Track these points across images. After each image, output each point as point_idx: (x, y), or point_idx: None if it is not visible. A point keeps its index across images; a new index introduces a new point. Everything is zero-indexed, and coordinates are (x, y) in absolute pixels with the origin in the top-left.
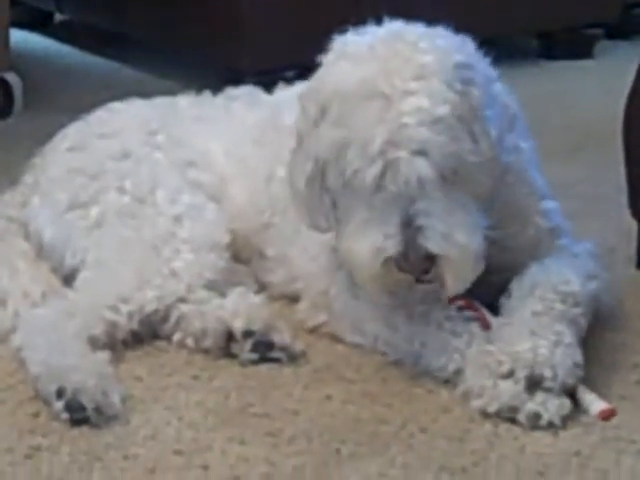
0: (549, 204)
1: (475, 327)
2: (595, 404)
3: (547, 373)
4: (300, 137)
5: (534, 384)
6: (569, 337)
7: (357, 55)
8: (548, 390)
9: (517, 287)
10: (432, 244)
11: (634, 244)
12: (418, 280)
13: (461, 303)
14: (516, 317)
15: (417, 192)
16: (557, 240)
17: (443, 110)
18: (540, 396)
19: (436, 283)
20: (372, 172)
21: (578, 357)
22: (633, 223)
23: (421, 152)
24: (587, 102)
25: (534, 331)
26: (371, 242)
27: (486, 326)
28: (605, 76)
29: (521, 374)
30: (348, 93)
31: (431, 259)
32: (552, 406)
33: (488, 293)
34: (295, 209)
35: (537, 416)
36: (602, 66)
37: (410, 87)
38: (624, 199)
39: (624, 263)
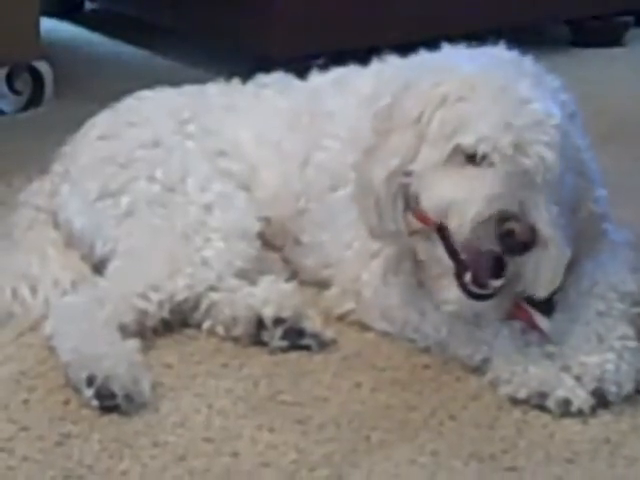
0: (601, 191)
1: (499, 321)
2: None
3: (612, 389)
4: (384, 133)
5: (598, 396)
6: (632, 340)
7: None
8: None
9: (575, 284)
10: (544, 225)
11: None
12: (496, 272)
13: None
14: (581, 316)
15: (538, 178)
16: (602, 225)
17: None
18: (570, 382)
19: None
20: (507, 138)
21: (632, 364)
22: None
23: (552, 146)
24: (617, 90)
25: (601, 336)
26: (488, 193)
27: (533, 328)
28: (636, 64)
29: (588, 386)
30: (484, 85)
31: (532, 243)
32: (582, 393)
33: None
34: (361, 210)
35: (567, 402)
36: (633, 54)
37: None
38: None
39: None
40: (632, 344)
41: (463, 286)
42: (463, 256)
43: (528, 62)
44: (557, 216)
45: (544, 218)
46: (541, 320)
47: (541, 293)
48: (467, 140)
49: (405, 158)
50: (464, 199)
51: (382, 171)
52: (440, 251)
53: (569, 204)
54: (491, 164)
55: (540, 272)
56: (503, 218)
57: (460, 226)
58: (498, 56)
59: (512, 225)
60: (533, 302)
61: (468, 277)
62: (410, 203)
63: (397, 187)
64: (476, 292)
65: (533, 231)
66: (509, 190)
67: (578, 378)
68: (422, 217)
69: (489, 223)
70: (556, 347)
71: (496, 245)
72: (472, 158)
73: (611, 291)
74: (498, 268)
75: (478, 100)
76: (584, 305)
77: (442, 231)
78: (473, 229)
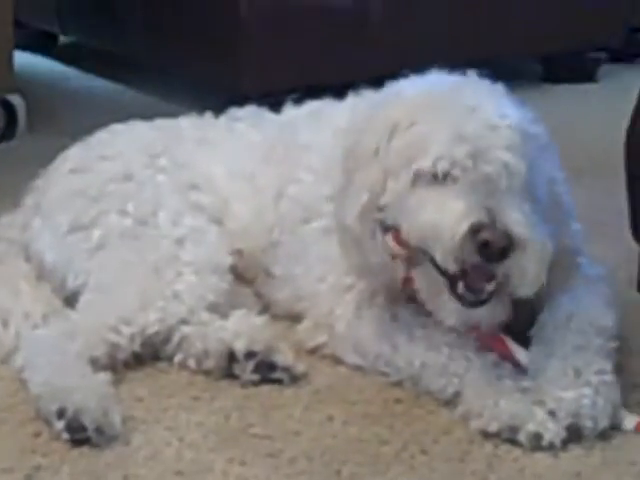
0: (575, 225)
1: (470, 352)
2: (628, 418)
3: (588, 424)
4: (351, 171)
5: (573, 432)
6: (609, 375)
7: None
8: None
9: (551, 318)
10: (517, 227)
11: (635, 267)
12: (487, 276)
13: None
14: (557, 350)
15: (502, 183)
16: (577, 259)
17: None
18: (540, 416)
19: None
20: (462, 150)
21: (617, 397)
22: (634, 246)
23: (511, 148)
24: (590, 126)
25: (579, 371)
26: (456, 210)
27: (510, 360)
28: (608, 100)
29: (564, 422)
30: (429, 104)
31: (509, 247)
32: (553, 426)
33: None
34: (342, 248)
35: (538, 436)
36: (605, 90)
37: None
38: (626, 223)
39: (625, 285)
40: (609, 378)
41: (458, 296)
42: (452, 270)
43: (498, 87)
44: (531, 215)
45: (516, 220)
46: (519, 352)
47: (529, 292)
48: (425, 163)
49: (373, 192)
50: (436, 226)
51: (354, 209)
52: (430, 273)
53: (543, 203)
54: (454, 179)
55: (525, 272)
56: (476, 230)
57: (445, 256)
58: (454, 78)
59: (485, 235)
60: (511, 334)
61: (461, 287)
62: (390, 231)
63: (372, 221)
64: (471, 299)
65: (508, 236)
66: (476, 201)
67: (553, 413)
68: (404, 243)
69: (466, 241)
70: (530, 381)
71: (478, 259)
72: (436, 177)
73: (588, 325)
74: (489, 273)
75: (426, 120)
76: (561, 339)
77: (426, 253)
78: (454, 253)
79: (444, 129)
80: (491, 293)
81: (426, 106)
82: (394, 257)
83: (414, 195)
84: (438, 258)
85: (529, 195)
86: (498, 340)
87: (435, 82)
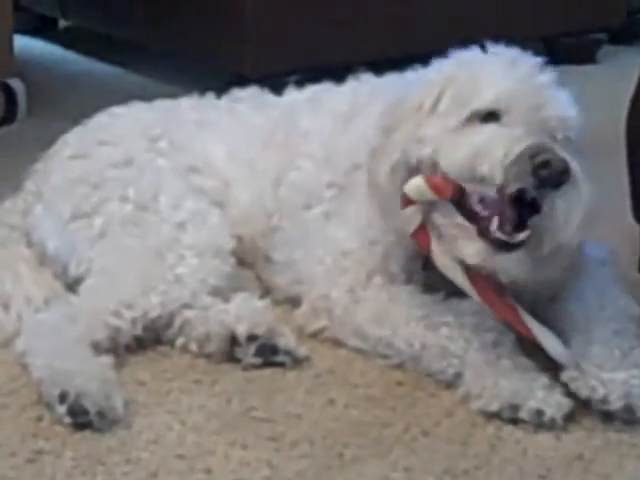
0: None
1: (469, 332)
2: None
3: None
4: (388, 130)
5: (627, 412)
6: None
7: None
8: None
9: (580, 308)
10: (571, 160)
11: (636, 248)
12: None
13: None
14: (597, 337)
15: (560, 134)
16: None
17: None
18: (541, 393)
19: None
20: (525, 93)
21: None
22: (635, 227)
23: (567, 104)
24: (590, 107)
25: (624, 353)
26: (515, 133)
27: (521, 329)
28: (608, 81)
29: (616, 404)
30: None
31: (566, 175)
32: (553, 403)
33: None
34: (374, 207)
35: (539, 413)
36: (605, 71)
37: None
38: (626, 204)
39: (626, 266)
40: None
41: (488, 236)
42: (484, 213)
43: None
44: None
45: (571, 160)
46: (532, 324)
47: (569, 235)
48: (485, 100)
49: (405, 151)
50: (491, 144)
51: (385, 166)
52: (457, 217)
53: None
54: (512, 118)
55: (572, 211)
56: (535, 152)
57: (493, 169)
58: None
59: (546, 155)
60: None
61: (495, 224)
62: (423, 172)
63: (400, 181)
64: (503, 240)
65: (566, 163)
66: (532, 133)
67: (605, 399)
68: (437, 186)
69: (523, 160)
70: (527, 359)
71: (531, 181)
72: (489, 118)
73: (620, 313)
74: (523, 220)
75: (489, 68)
76: (597, 327)
77: (458, 197)
78: (506, 169)
79: (505, 74)
80: (522, 241)
81: (485, 58)
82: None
83: (464, 132)
84: (485, 172)
85: (579, 153)
86: (513, 313)
87: (475, 55)
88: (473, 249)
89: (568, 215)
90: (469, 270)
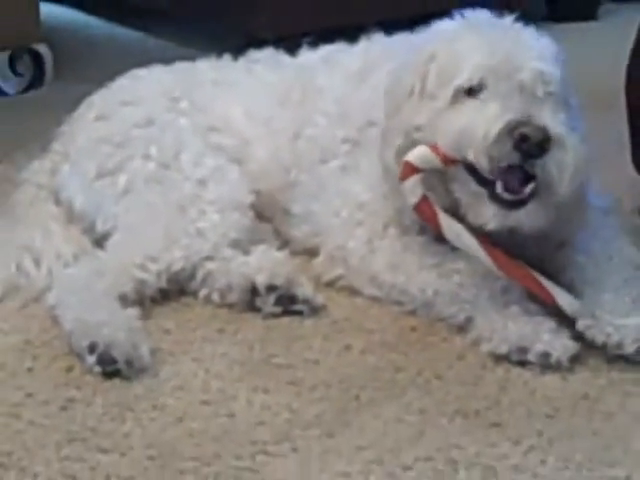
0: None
1: (480, 279)
2: None
3: None
4: (390, 115)
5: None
6: None
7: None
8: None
9: (589, 260)
10: (552, 125)
11: (637, 196)
12: (526, 176)
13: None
14: (607, 285)
15: (539, 90)
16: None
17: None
18: (547, 336)
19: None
20: (496, 60)
21: None
22: (636, 176)
23: (544, 58)
24: (591, 62)
25: (635, 300)
26: (491, 112)
27: (534, 287)
28: (608, 37)
29: (630, 348)
30: (464, 31)
31: (547, 142)
32: (560, 346)
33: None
34: (386, 183)
35: (546, 355)
36: (605, 27)
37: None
38: (627, 154)
39: (629, 214)
40: None
41: (497, 199)
42: (486, 169)
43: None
44: (567, 121)
45: (552, 121)
46: (560, 295)
47: (567, 190)
48: (463, 77)
49: (408, 134)
50: (470, 128)
51: (391, 150)
52: (472, 185)
53: (576, 111)
54: (491, 90)
55: (564, 168)
56: (513, 128)
57: (477, 155)
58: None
59: (523, 129)
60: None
61: (499, 187)
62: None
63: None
64: (510, 199)
65: (545, 131)
66: (511, 104)
67: (620, 344)
68: (445, 157)
69: (502, 138)
70: (534, 305)
71: (516, 156)
72: (472, 91)
73: (627, 263)
74: (528, 173)
75: (463, 43)
76: (607, 276)
77: (470, 165)
78: (489, 152)
79: (479, 46)
80: (530, 194)
81: (463, 32)
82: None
83: (452, 111)
84: (472, 158)
85: (565, 105)
86: (525, 274)
87: (472, 16)
88: (488, 214)
89: (562, 172)
90: (481, 239)
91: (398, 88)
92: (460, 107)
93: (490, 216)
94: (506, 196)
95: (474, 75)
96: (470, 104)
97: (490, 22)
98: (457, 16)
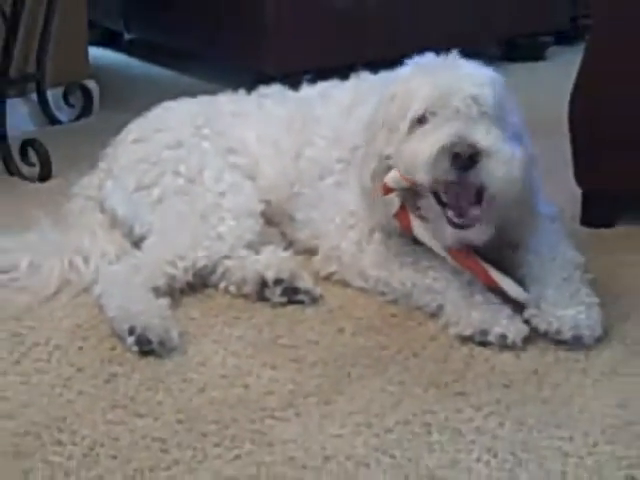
0: (535, 172)
1: (449, 274)
2: None
3: (587, 333)
4: (368, 143)
5: (576, 340)
6: (593, 297)
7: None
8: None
9: (536, 259)
10: (482, 141)
11: (578, 205)
12: (462, 180)
13: (464, 259)
14: (550, 282)
15: (473, 111)
16: (536, 199)
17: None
18: (505, 321)
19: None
20: (437, 93)
21: (600, 315)
22: (576, 189)
23: (477, 84)
24: (541, 95)
25: (572, 295)
26: (431, 139)
27: (485, 279)
28: (554, 75)
29: (567, 334)
30: (417, 72)
31: (476, 155)
32: (514, 329)
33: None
34: (363, 202)
35: (503, 337)
36: (552, 67)
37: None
38: (570, 172)
39: (570, 221)
40: (592, 300)
41: (449, 221)
42: (444, 199)
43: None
44: (499, 134)
45: (482, 136)
46: (504, 281)
47: (500, 188)
48: (414, 109)
49: (381, 158)
50: (416, 154)
51: (368, 173)
52: (431, 202)
53: (515, 129)
54: (435, 118)
55: (494, 174)
56: (447, 149)
57: (421, 179)
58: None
59: (455, 149)
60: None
61: (450, 213)
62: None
63: (380, 182)
64: (459, 223)
65: (473, 146)
66: (450, 129)
67: (559, 331)
68: (410, 180)
69: (440, 158)
70: (494, 295)
71: (453, 173)
72: (422, 120)
73: (568, 262)
74: (476, 200)
75: (415, 82)
76: (550, 275)
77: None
78: (430, 172)
79: (426, 83)
80: (477, 216)
81: (414, 73)
82: (390, 191)
83: (408, 140)
84: (417, 178)
85: (500, 122)
86: (479, 268)
87: (423, 60)
88: (446, 233)
89: (492, 178)
90: None
91: (373, 121)
92: (413, 136)
93: (447, 235)
94: (456, 220)
95: (421, 107)
96: (420, 132)
97: (436, 62)
98: (413, 61)
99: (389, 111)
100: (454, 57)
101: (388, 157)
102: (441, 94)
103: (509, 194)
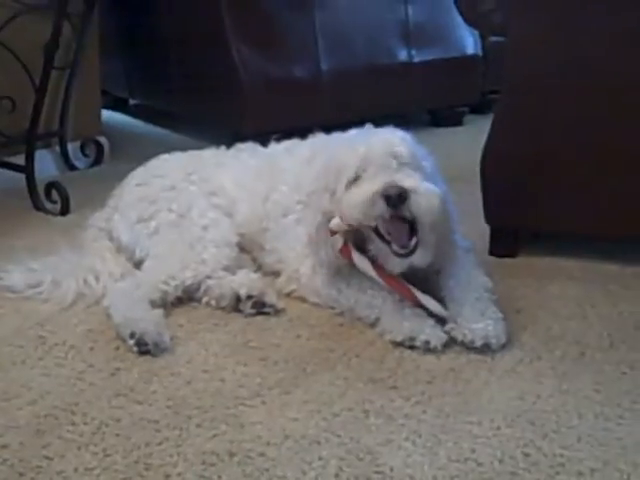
0: (453, 213)
1: (385, 293)
2: None
3: (494, 341)
4: (311, 198)
5: (485, 347)
6: (498, 313)
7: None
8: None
9: (455, 283)
10: (407, 183)
11: (486, 239)
12: (395, 216)
13: (393, 282)
14: (466, 302)
15: (394, 164)
16: (455, 235)
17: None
18: (428, 330)
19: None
20: (365, 157)
21: (504, 327)
22: (486, 227)
23: (395, 142)
24: (459, 152)
25: (483, 312)
26: (365, 188)
27: (410, 298)
28: (470, 137)
29: (478, 343)
30: (351, 144)
31: (404, 193)
32: (436, 336)
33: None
34: (309, 247)
35: (427, 342)
36: (468, 131)
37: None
38: (481, 211)
39: (481, 252)
40: (499, 316)
41: (395, 253)
42: (387, 237)
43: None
44: (419, 177)
45: (407, 180)
46: (427, 300)
47: (427, 216)
48: (348, 172)
49: (325, 214)
50: (353, 203)
51: (314, 224)
52: (377, 243)
53: (430, 174)
54: (367, 175)
55: (421, 204)
56: (380, 193)
57: (360, 217)
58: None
59: (386, 192)
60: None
61: (394, 247)
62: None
63: (324, 231)
64: (403, 253)
65: (401, 187)
66: (380, 179)
67: (472, 340)
68: (349, 225)
69: (376, 199)
70: (420, 310)
71: (388, 210)
72: (356, 179)
73: (480, 286)
74: (411, 234)
75: (350, 151)
76: (466, 295)
77: (374, 227)
78: (369, 213)
79: (353, 152)
80: (415, 246)
81: (344, 146)
82: (335, 233)
83: (345, 195)
84: (357, 218)
85: (416, 168)
86: (405, 289)
87: (347, 135)
88: (393, 263)
89: (420, 209)
90: (376, 267)
91: (317, 187)
92: (350, 191)
93: (395, 264)
94: (399, 250)
95: (352, 171)
96: (354, 187)
97: (358, 133)
98: (342, 136)
99: (329, 179)
100: (369, 127)
101: (331, 212)
102: (366, 156)
103: (436, 220)
